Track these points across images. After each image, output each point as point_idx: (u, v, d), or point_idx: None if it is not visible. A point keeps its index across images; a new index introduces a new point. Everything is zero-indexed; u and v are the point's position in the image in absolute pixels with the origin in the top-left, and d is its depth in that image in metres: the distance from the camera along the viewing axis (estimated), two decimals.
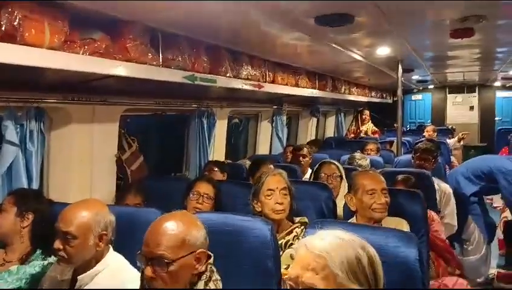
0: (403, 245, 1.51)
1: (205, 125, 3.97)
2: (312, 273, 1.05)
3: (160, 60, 2.57)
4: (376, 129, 7.95)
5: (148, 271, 1.38)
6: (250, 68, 3.71)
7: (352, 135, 7.88)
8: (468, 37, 3.30)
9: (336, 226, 1.22)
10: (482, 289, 3.72)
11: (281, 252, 1.95)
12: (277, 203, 2.18)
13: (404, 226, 2.24)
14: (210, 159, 3.95)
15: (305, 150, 4.29)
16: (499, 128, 9.32)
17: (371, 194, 2.26)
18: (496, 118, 10.20)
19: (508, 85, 9.59)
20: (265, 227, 1.68)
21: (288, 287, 1.12)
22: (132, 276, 1.61)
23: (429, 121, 10.44)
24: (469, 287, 2.47)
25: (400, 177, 3.02)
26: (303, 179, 3.86)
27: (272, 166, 3.33)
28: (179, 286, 1.39)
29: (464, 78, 8.75)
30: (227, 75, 3.33)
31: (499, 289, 3.83)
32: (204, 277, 1.42)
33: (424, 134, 7.08)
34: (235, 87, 3.48)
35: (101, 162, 3.00)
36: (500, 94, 10.23)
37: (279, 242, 2.02)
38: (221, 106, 4.28)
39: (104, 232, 1.71)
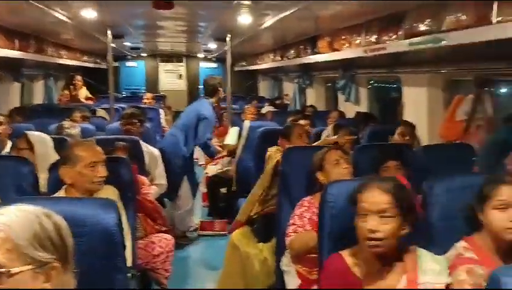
0: (102, 212, 1.54)
1: None
2: None
3: None
4: (90, 95, 7.71)
5: None
6: None
7: (65, 101, 7.37)
8: (168, 9, 3.56)
9: (32, 202, 1.16)
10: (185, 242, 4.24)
11: None
12: None
13: (111, 193, 2.29)
14: None
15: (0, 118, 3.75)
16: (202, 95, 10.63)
17: (92, 166, 2.18)
18: (200, 86, 11.60)
19: (208, 57, 10.98)
20: None
21: None
22: None
23: (144, 88, 10.88)
24: (173, 240, 2.79)
25: (115, 144, 3.03)
26: (3, 152, 3.41)
27: None
28: None
29: (173, 49, 9.50)
30: None
31: (202, 235, 4.45)
32: None
33: (143, 101, 7.28)
34: None
35: None
36: (202, 64, 11.65)
37: None
38: None
39: None
